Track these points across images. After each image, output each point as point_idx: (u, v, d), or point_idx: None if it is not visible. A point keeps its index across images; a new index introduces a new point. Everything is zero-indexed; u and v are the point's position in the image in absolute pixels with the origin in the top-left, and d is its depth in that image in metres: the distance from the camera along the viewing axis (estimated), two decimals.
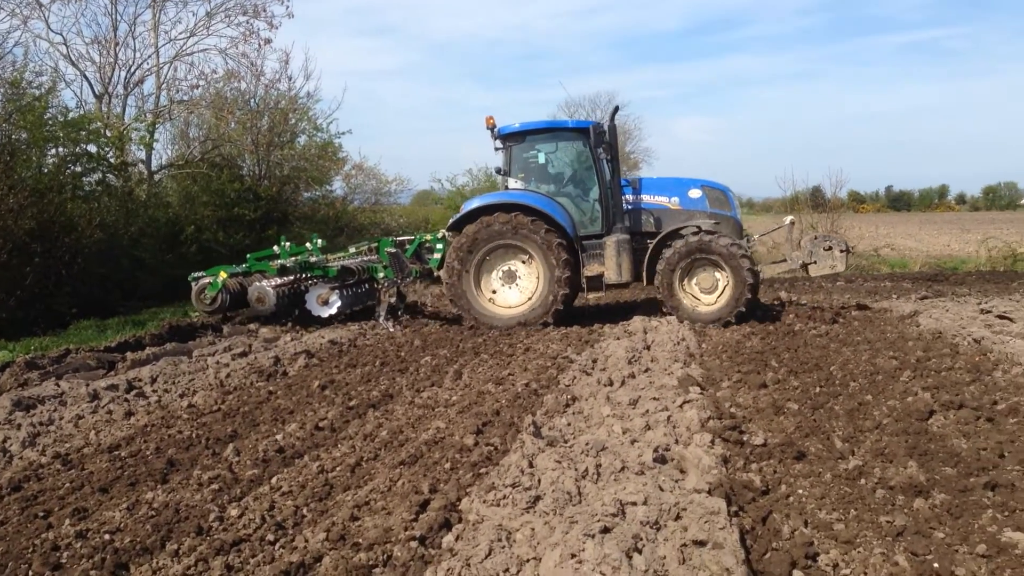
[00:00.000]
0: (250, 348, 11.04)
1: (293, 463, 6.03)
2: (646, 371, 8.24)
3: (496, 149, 13.27)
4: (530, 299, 12.63)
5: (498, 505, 4.60)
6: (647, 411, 6.50)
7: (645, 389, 7.34)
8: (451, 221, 13.19)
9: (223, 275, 13.35)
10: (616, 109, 13.15)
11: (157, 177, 22.37)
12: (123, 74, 22.10)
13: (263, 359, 10.03)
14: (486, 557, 3.90)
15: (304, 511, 5.01)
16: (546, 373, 8.87)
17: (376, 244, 14.14)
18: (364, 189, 29.11)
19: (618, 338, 10.55)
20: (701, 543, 3.94)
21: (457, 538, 4.31)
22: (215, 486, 5.47)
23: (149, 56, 22.44)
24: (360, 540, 4.47)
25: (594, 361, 9.04)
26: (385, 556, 4.25)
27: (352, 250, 14.84)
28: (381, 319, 13.17)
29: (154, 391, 8.56)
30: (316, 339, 11.73)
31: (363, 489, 5.35)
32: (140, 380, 8.95)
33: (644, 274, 12.63)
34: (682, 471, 5.12)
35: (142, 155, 22.01)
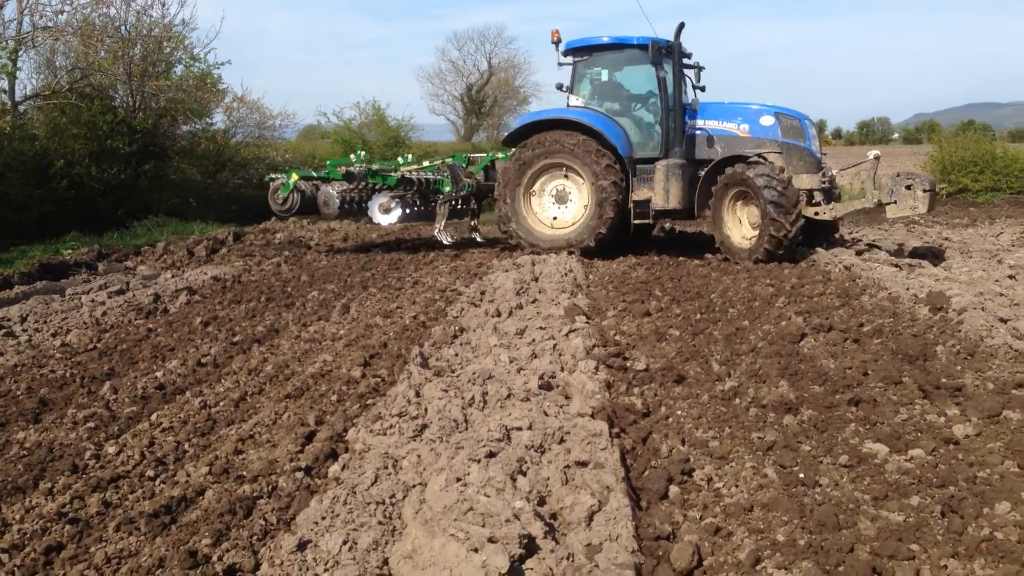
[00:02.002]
0: (128, 286, 10.63)
1: (174, 399, 5.88)
2: (533, 302, 8.33)
3: (559, 64, 12.92)
4: (578, 221, 12.27)
5: (385, 434, 4.61)
6: (534, 340, 6.59)
7: (532, 319, 7.42)
8: (507, 135, 13.16)
9: (295, 176, 13.64)
10: (682, 25, 12.06)
11: (22, 108, 20.91)
12: None
13: (142, 296, 9.68)
14: (372, 484, 3.92)
15: (186, 446, 4.91)
16: (434, 306, 8.87)
17: (451, 159, 14.48)
18: (247, 123, 27.95)
19: (507, 270, 10.61)
20: (583, 464, 4.05)
21: (343, 467, 4.31)
22: (91, 424, 5.29)
23: None
24: (244, 473, 4.42)
25: (482, 293, 9.08)
26: (270, 487, 4.22)
27: (426, 164, 14.82)
28: (437, 232, 13.75)
29: (24, 330, 8.18)
30: (198, 275, 11.38)
31: (247, 423, 5.27)
32: (8, 319, 8.53)
33: (696, 203, 11.83)
34: (567, 397, 5.23)
35: (4, 85, 20.54)
